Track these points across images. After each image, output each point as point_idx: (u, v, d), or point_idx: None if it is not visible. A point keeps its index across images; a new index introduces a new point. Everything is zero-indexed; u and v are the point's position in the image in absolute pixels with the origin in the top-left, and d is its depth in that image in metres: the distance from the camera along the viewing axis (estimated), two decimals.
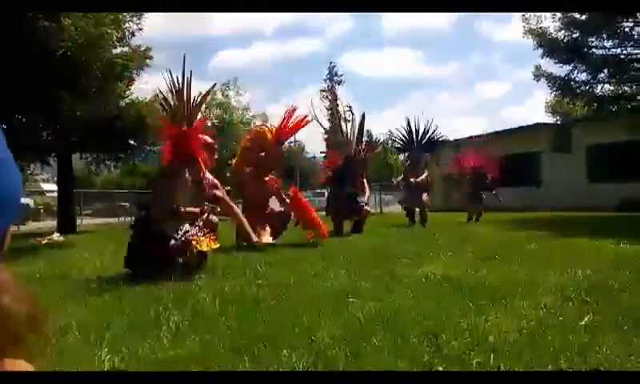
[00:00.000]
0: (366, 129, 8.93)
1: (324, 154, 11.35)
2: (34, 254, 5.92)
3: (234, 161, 7.20)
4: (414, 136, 10.33)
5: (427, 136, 10.28)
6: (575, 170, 17.46)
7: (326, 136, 12.10)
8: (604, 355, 1.80)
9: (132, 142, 13.98)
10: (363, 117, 8.81)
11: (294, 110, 6.81)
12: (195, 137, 4.31)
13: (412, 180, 9.67)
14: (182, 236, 3.93)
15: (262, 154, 6.54)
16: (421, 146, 10.26)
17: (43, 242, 8.11)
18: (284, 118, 6.78)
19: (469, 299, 2.72)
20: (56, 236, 9.06)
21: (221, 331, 2.27)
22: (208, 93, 4.90)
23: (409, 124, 10.38)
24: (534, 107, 79.52)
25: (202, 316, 2.57)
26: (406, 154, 10.82)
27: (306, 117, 7.05)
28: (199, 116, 4.74)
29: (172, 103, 4.46)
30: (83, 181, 24.80)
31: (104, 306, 2.92)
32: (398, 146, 11.05)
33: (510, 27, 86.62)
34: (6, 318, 0.36)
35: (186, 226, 4.02)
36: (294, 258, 4.88)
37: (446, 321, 2.30)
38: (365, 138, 9.04)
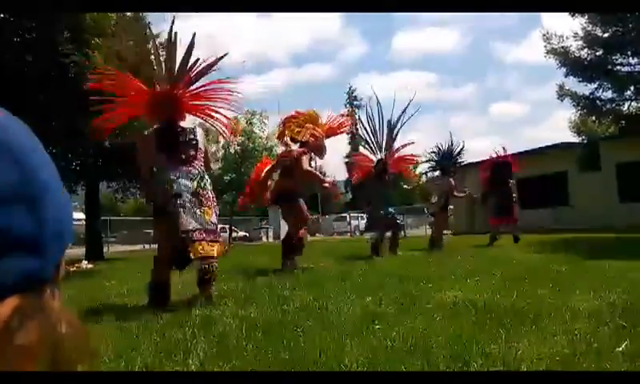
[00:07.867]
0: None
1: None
2: (63, 282, 6.02)
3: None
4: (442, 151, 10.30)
5: (453, 152, 10.21)
6: (605, 188, 17.02)
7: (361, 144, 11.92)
8: None
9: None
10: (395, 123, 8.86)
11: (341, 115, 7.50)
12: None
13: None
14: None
15: (312, 139, 6.44)
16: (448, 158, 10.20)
17: (72, 269, 8.28)
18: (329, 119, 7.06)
19: (498, 324, 2.65)
20: (84, 263, 9.25)
21: (248, 357, 2.26)
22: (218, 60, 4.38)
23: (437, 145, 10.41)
24: (550, 127, 79.21)
25: (229, 342, 2.57)
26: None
27: (345, 123, 7.31)
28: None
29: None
30: (109, 208, 25.36)
31: (132, 332, 2.95)
32: (432, 165, 10.83)
33: (523, 48, 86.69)
34: (61, 349, 0.37)
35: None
36: (315, 281, 4.86)
37: (475, 347, 2.24)
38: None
